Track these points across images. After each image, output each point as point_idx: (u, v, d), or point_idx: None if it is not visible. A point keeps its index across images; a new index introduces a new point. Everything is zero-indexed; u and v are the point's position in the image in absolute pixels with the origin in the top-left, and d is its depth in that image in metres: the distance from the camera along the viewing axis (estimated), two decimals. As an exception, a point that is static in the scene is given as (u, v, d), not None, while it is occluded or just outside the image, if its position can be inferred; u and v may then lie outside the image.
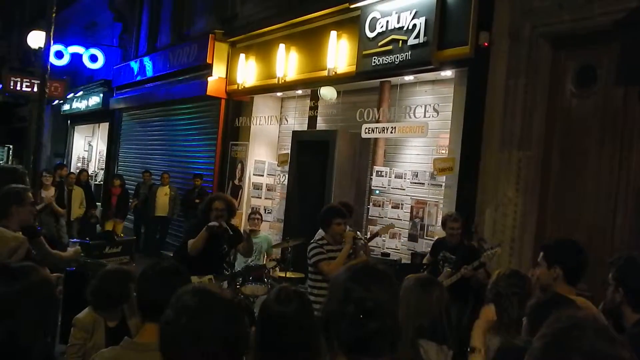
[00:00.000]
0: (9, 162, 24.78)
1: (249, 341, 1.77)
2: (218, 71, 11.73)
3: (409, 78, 8.05)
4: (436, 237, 7.28)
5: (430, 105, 7.68)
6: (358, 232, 6.31)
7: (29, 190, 4.34)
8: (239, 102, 11.53)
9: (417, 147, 8.26)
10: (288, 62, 9.77)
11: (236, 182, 11.40)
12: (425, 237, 7.63)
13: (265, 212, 10.27)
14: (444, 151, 7.54)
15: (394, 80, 8.26)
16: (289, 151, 9.99)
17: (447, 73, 7.49)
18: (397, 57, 7.59)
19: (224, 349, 1.62)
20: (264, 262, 7.70)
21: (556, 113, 6.25)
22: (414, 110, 7.84)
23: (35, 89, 13.93)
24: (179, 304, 1.67)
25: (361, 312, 1.62)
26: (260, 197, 10.92)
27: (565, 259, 3.19)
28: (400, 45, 7.57)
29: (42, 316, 1.83)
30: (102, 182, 13.52)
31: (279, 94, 10.75)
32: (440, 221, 7.41)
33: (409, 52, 7.44)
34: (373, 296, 1.64)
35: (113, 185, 12.80)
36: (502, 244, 6.04)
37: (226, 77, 11.66)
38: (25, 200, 4.04)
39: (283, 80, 9.84)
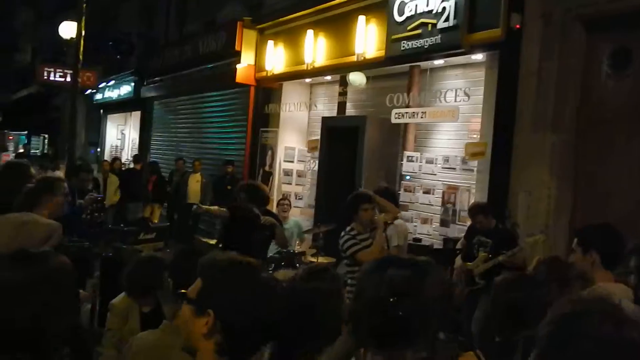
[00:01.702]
0: (45, 151, 25.31)
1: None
2: (247, 58, 11.75)
3: (439, 62, 7.96)
4: (468, 222, 7.23)
5: (461, 89, 7.59)
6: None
7: (63, 180, 4.41)
8: (268, 89, 11.54)
9: (448, 131, 8.18)
10: (316, 48, 9.75)
11: (267, 168, 11.46)
12: (457, 223, 7.58)
13: (296, 199, 10.31)
14: (475, 135, 7.46)
15: (424, 64, 8.18)
16: (318, 137, 9.98)
17: (478, 56, 7.39)
18: (427, 41, 7.51)
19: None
20: (296, 248, 7.72)
21: (590, 96, 6.13)
22: (445, 95, 7.76)
23: (68, 79, 14.14)
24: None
25: (393, 294, 1.60)
26: (291, 184, 10.95)
27: (601, 243, 3.13)
28: (429, 29, 7.48)
29: (62, 301, 1.85)
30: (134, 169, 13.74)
31: (307, 80, 10.73)
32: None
33: (439, 36, 7.35)
34: (405, 280, 1.64)
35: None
36: (546, 230, 5.92)
37: (255, 64, 11.68)
38: (55, 190, 4.12)
39: (312, 67, 9.82)
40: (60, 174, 9.06)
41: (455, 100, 7.56)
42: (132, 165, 14.35)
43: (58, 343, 1.83)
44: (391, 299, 1.59)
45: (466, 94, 7.45)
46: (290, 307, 2.40)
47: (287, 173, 11.06)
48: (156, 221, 11.69)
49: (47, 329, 1.77)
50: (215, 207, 7.25)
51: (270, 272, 6.59)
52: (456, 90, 7.61)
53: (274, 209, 10.03)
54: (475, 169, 7.35)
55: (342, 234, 5.29)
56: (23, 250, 1.87)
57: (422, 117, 7.85)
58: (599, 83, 6.05)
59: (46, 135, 29.48)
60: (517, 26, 6.50)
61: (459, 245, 6.62)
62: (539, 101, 6.29)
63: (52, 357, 1.78)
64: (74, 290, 1.98)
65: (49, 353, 1.78)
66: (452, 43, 7.24)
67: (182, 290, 1.76)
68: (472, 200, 7.27)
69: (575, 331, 1.09)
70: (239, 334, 1.65)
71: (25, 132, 31.15)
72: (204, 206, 7.18)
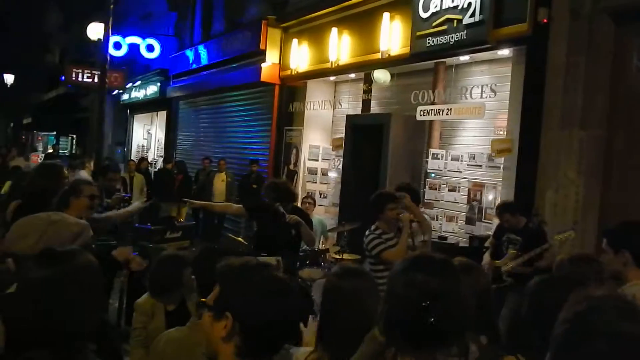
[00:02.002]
0: (73, 151, 25.69)
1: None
2: (271, 57, 11.78)
3: (464, 58, 7.87)
4: (494, 220, 7.14)
5: (487, 85, 7.50)
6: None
7: (88, 183, 4.48)
8: (293, 88, 11.55)
9: (474, 128, 8.10)
10: (341, 46, 9.72)
11: (291, 167, 11.47)
12: (483, 220, 7.50)
13: (320, 197, 10.30)
14: (502, 132, 7.37)
15: (449, 60, 8.10)
16: (343, 135, 9.96)
17: (505, 52, 7.29)
18: (452, 37, 7.44)
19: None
20: (320, 246, 7.72)
21: (619, 91, 6.01)
22: (470, 91, 7.68)
23: (96, 80, 14.34)
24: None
25: (426, 296, 1.58)
26: (316, 182, 10.95)
27: (632, 242, 3.06)
28: (455, 24, 7.41)
29: (87, 299, 1.86)
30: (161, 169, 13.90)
31: (332, 78, 10.71)
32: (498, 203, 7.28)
33: (465, 32, 7.27)
34: (437, 280, 1.61)
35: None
36: (575, 226, 5.82)
37: (279, 63, 11.70)
38: (80, 192, 4.21)
39: (336, 64, 9.80)
40: (85, 173, 9.17)
41: (481, 97, 7.48)
42: (161, 165, 14.49)
43: (81, 340, 1.84)
44: (424, 303, 1.58)
45: (492, 90, 7.36)
46: (326, 304, 2.40)
47: (312, 171, 11.05)
48: (182, 220, 11.77)
49: (69, 326, 1.79)
50: (209, 203, 7.23)
51: (296, 270, 6.61)
52: (482, 87, 7.53)
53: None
54: (501, 166, 7.26)
55: (367, 233, 5.24)
56: (49, 248, 1.89)
57: (447, 114, 7.78)
58: (629, 77, 5.93)
59: (74, 136, 29.96)
60: (545, 20, 6.39)
61: (487, 244, 6.54)
62: (567, 97, 6.18)
63: (74, 354, 1.79)
64: (100, 288, 2.00)
65: (71, 350, 1.80)
66: (478, 38, 7.16)
67: (202, 299, 1.77)
68: (498, 198, 7.18)
69: (591, 329, 1.06)
70: (257, 335, 1.64)
71: (54, 133, 31.70)
72: (196, 202, 7.12)
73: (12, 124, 40.29)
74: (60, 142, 30.11)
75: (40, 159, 19.99)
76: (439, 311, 1.58)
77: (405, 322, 1.60)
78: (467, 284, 1.81)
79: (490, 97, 7.40)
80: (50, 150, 25.97)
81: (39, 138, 35.96)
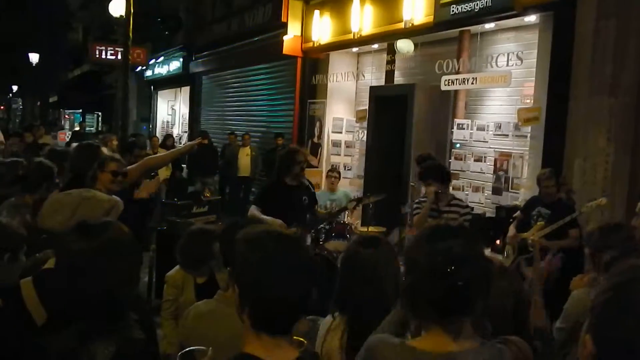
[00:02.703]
0: (99, 129, 25.96)
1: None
2: (293, 29, 11.70)
3: (489, 26, 7.73)
4: (521, 190, 7.07)
5: (513, 53, 7.36)
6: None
7: (114, 159, 4.52)
8: (315, 60, 11.48)
9: (500, 97, 7.99)
10: (363, 17, 9.60)
11: (315, 140, 11.46)
12: (510, 190, 7.43)
13: (345, 169, 10.30)
14: (528, 101, 7.26)
15: (474, 28, 7.96)
16: (366, 107, 9.90)
17: (531, 18, 7.14)
18: (477, 4, 7.29)
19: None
20: (346, 219, 7.74)
21: (651, 56, 5.86)
22: (496, 59, 7.55)
23: (119, 57, 14.38)
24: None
25: (450, 262, 1.59)
26: (340, 154, 10.94)
27: None
28: (480, -9, 7.26)
29: (127, 268, 1.91)
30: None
31: (354, 49, 10.61)
32: (525, 173, 7.19)
33: (490, -1, 7.13)
34: (460, 246, 1.61)
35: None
36: (606, 194, 5.73)
37: (301, 35, 11.62)
38: (105, 167, 4.27)
39: (358, 35, 9.70)
40: (107, 150, 9.24)
41: (507, 65, 7.36)
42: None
43: (123, 311, 1.89)
44: (449, 269, 1.58)
45: (519, 58, 7.23)
46: (344, 272, 2.42)
47: (336, 144, 11.03)
48: (209, 195, 11.88)
49: (117, 295, 1.84)
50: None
51: (321, 243, 6.64)
52: (508, 55, 7.40)
53: (323, 181, 10.05)
54: (528, 135, 7.17)
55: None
56: (84, 222, 1.93)
57: (472, 84, 7.67)
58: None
59: (100, 113, 30.23)
60: (572, -15, 6.24)
61: (515, 215, 6.48)
62: (596, 63, 6.05)
63: (118, 325, 1.84)
64: (136, 259, 2.04)
65: (121, 318, 1.85)
66: (503, 5, 7.01)
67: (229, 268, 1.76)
68: (525, 168, 7.10)
69: (631, 299, 1.05)
70: (261, 307, 1.59)
71: (80, 111, 32.02)
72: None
73: (38, 103, 40.83)
74: (87, 120, 30.42)
75: (68, 137, 20.25)
76: (464, 276, 1.58)
77: (431, 291, 1.60)
78: (502, 289, 1.81)
79: (516, 65, 7.27)
80: (77, 128, 26.25)
81: (66, 117, 36.38)
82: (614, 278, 1.12)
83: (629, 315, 1.04)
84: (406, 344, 1.70)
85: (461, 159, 8.21)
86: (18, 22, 34.29)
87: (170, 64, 18.43)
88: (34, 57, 32.24)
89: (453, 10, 7.67)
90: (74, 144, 6.02)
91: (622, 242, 2.84)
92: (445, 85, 7.96)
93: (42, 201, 2.74)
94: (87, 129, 24.80)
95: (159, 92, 21.61)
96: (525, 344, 1.92)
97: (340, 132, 10.96)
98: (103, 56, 17.75)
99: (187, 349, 1.86)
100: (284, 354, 1.60)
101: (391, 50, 9.53)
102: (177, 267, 3.79)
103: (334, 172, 8.33)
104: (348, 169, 10.50)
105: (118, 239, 1.91)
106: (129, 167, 4.63)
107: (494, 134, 7.76)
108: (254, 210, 5.64)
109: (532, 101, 7.10)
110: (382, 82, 9.99)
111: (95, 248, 1.83)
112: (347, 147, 10.82)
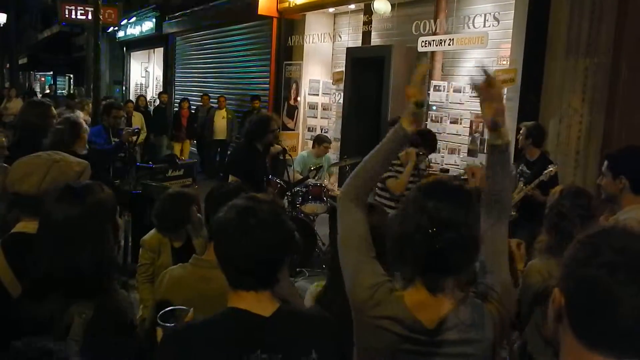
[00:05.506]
0: (70, 91, 25.47)
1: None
2: (268, -11, 11.48)
3: (467, -14, 7.67)
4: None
5: (490, 14, 7.32)
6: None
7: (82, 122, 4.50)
8: (291, 21, 11.31)
9: (476, 58, 7.95)
10: (340, -24, 9.45)
11: (291, 102, 11.36)
12: (485, 152, 7.45)
13: (322, 132, 10.25)
14: (505, 62, 7.25)
15: (451, -12, 7.89)
16: (343, 69, 9.82)
17: (508, -22, 7.09)
18: (454, -37, 7.22)
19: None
20: (324, 182, 7.74)
21: (626, 18, 5.85)
22: (473, 20, 7.51)
23: (90, 17, 14.01)
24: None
25: (436, 222, 1.60)
26: (316, 117, 10.88)
27: (631, 168, 3.05)
28: (457, -50, 7.17)
29: (109, 234, 1.90)
30: (161, 107, 13.72)
31: (331, 9, 10.47)
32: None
33: (467, -42, 7.05)
34: (448, 207, 1.62)
35: (182, 107, 13.01)
36: (567, 156, 5.77)
37: (277, -5, 11.41)
38: (79, 129, 4.23)
39: (335, -5, 9.56)
40: (83, 114, 9.09)
41: (484, 26, 7.32)
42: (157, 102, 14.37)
43: (109, 273, 1.89)
44: (431, 230, 1.58)
45: (495, 19, 7.19)
46: (333, 234, 2.41)
47: (312, 106, 10.96)
48: (185, 158, 11.77)
49: (104, 258, 1.84)
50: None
51: (298, 205, 6.65)
52: (485, 15, 7.35)
53: (301, 143, 10.00)
54: (505, 96, 7.18)
55: None
56: (70, 185, 1.90)
57: (449, 45, 7.63)
58: (637, 3, 5.77)
59: (71, 75, 29.64)
60: (550, -56, 6.18)
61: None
62: (573, 24, 6.05)
63: (104, 288, 1.84)
64: (116, 221, 2.04)
65: (107, 282, 1.86)
66: (480, -35, 6.95)
67: None
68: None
69: (599, 242, 1.08)
70: (230, 265, 1.68)
71: (51, 73, 31.34)
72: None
73: (7, 65, 39.79)
74: (58, 83, 29.80)
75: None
76: (446, 239, 1.59)
77: (415, 246, 1.62)
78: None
79: (493, 26, 7.24)
80: (48, 91, 25.72)
81: (42, 79, 35.60)
82: (582, 233, 1.13)
83: (600, 255, 1.05)
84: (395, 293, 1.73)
85: (438, 121, 8.22)
86: (-17, -19, 33.18)
87: (143, 24, 18.02)
88: (1, 17, 31.26)
89: (430, -30, 7.57)
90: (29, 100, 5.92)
91: (580, 208, 2.85)
92: (422, 46, 7.91)
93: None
94: (58, 91, 24.31)
95: (132, 54, 21.18)
96: (509, 292, 1.86)
97: (317, 95, 10.88)
98: (73, 16, 17.22)
99: (168, 309, 1.85)
100: (264, 307, 1.68)
101: (368, 11, 9.42)
102: (153, 231, 3.75)
103: (329, 144, 8.07)
104: (325, 132, 10.45)
105: (103, 201, 1.89)
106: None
107: (470, 96, 7.76)
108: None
109: (508, 62, 7.10)
110: (358, 44, 9.89)
111: (83, 213, 1.81)
112: (324, 109, 10.76)
